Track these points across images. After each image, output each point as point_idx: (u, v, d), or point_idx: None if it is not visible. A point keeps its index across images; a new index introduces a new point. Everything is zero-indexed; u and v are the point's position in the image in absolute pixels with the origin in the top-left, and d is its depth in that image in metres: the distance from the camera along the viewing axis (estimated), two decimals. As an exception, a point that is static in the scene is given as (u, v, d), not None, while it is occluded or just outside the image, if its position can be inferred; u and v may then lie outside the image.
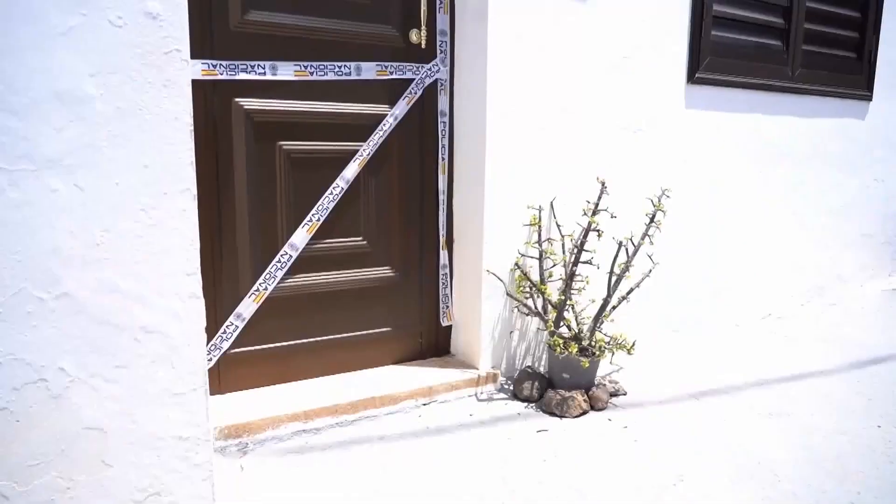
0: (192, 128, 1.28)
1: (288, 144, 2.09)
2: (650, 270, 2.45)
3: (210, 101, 1.94)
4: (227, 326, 2.04)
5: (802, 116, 3.15)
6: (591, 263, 2.32)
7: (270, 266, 2.09)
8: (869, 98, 3.41)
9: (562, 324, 2.31)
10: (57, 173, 1.18)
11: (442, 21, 2.27)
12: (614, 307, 2.36)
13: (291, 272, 2.14)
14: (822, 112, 3.23)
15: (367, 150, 2.18)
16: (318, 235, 2.16)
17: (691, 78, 2.68)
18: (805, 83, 3.10)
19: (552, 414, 2.17)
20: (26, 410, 1.23)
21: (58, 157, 1.17)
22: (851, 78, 3.31)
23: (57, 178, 1.18)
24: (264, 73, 2.01)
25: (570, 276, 2.30)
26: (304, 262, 2.16)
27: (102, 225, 1.22)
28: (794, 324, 3.21)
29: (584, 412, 2.19)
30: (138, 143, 1.23)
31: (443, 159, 2.35)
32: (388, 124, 2.21)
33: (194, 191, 1.29)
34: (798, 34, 3.02)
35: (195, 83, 1.84)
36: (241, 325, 2.06)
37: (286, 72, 2.04)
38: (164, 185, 1.26)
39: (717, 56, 2.74)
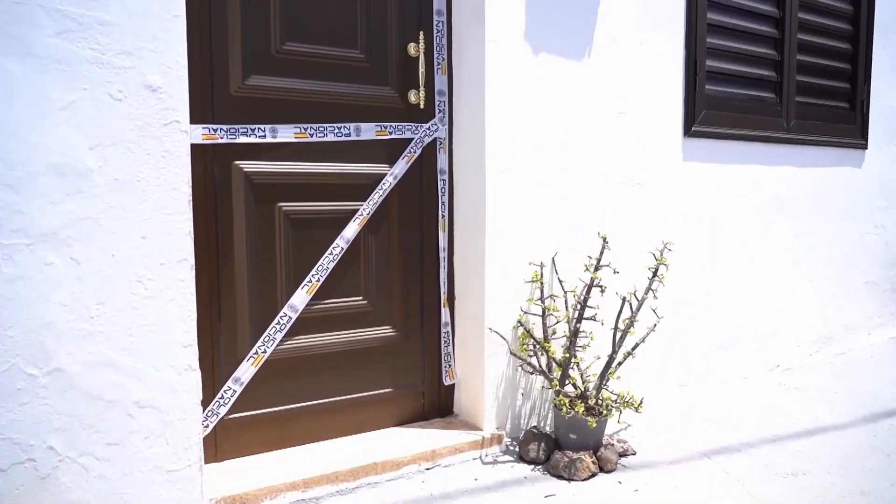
0: (191, 197, 1.27)
1: (288, 206, 2.09)
2: (655, 325, 2.41)
3: (210, 165, 1.94)
4: (224, 391, 1.99)
5: (800, 166, 3.17)
6: (594, 319, 2.29)
7: (269, 328, 2.05)
8: (864, 147, 3.44)
9: (567, 382, 2.26)
10: (52, 246, 1.16)
11: (440, 82, 2.30)
12: (620, 363, 2.31)
13: (291, 334, 2.10)
14: (820, 161, 3.25)
15: (367, 209, 2.18)
16: (318, 296, 2.13)
17: (688, 131, 2.70)
18: (801, 134, 3.13)
19: (560, 477, 2.10)
20: (13, 492, 1.18)
21: (54, 231, 1.16)
22: (846, 127, 3.35)
23: (52, 251, 1.16)
24: (264, 136, 2.02)
25: (574, 333, 2.26)
26: (304, 324, 2.12)
27: (98, 298, 1.20)
28: (804, 375, 3.15)
29: (593, 474, 2.11)
30: (136, 214, 1.22)
31: (443, 217, 2.34)
32: (388, 183, 2.21)
33: (192, 261, 1.27)
34: (790, 86, 3.07)
35: (195, 147, 1.85)
36: (240, 390, 2.01)
37: (286, 134, 2.06)
38: (162, 255, 1.24)
39: (712, 109, 2.77)
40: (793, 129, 3.09)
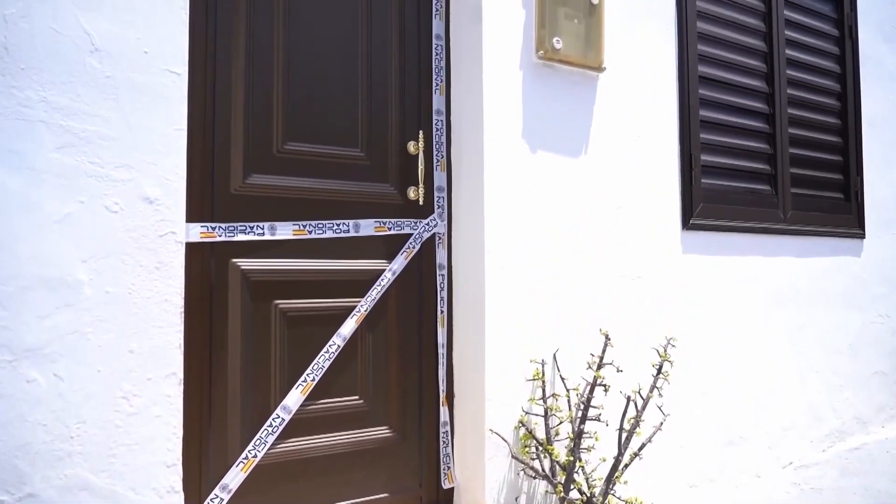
0: (183, 309, 1.24)
1: (284, 303, 2.05)
2: (661, 423, 2.32)
3: (207, 263, 1.92)
4: (210, 500, 1.88)
5: (799, 256, 3.16)
6: (599, 420, 2.20)
7: (261, 431, 1.97)
8: (862, 236, 3.46)
9: (572, 487, 2.15)
10: (36, 363, 1.12)
11: (439, 178, 2.33)
12: (626, 465, 2.21)
13: (283, 436, 2.01)
14: (819, 251, 3.25)
15: (364, 305, 2.15)
16: (313, 396, 2.06)
17: (686, 224, 2.71)
18: (798, 224, 3.14)
19: None
20: None
21: (38, 346, 1.12)
22: (842, 218, 3.37)
23: (35, 367, 1.12)
24: (263, 234, 2.02)
25: (578, 435, 2.17)
26: (298, 425, 2.04)
27: (79, 416, 1.14)
28: (819, 473, 3.02)
29: (602, 592, 1.97)
30: (125, 328, 1.18)
31: (441, 312, 2.31)
32: (387, 279, 2.19)
33: (181, 375, 1.23)
34: (785, 179, 3.11)
35: (193, 245, 1.84)
36: (227, 498, 1.90)
37: (285, 231, 2.05)
38: (149, 370, 1.20)
39: (709, 202, 2.80)
40: (790, 219, 3.11)
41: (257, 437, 1.96)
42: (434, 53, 2.35)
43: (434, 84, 2.34)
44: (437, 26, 2.35)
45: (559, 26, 2.33)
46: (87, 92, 1.14)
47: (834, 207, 3.36)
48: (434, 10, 2.35)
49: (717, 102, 2.89)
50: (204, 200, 1.93)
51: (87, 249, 1.17)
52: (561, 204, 2.37)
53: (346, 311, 2.13)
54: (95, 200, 1.17)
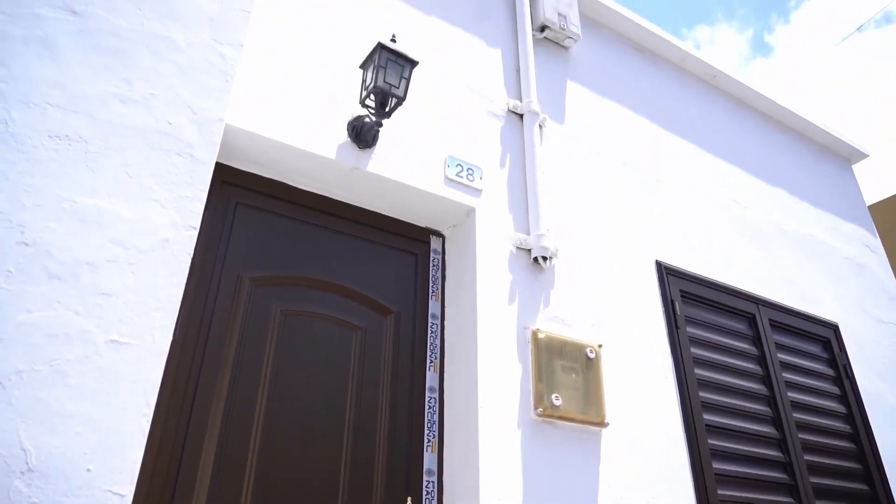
0: None
1: None
2: None
3: None
4: None
5: None
6: None
7: None
8: None
9: None
10: None
11: (428, 554, 2.00)
12: None
13: None
14: None
15: None
16: None
17: None
18: None
19: None
20: None
21: None
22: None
23: None
24: None
25: None
26: None
27: None
28: None
29: None
30: None
31: None
32: None
33: None
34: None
35: None
36: None
37: None
38: None
39: (741, 575, 2.40)
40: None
41: None
42: (427, 406, 2.22)
43: (426, 440, 2.16)
44: (430, 378, 2.27)
45: (557, 380, 2.25)
46: (-1, 528, 0.94)
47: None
48: (428, 361, 2.29)
49: (729, 453, 2.68)
50: None
51: None
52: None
53: None
54: None
